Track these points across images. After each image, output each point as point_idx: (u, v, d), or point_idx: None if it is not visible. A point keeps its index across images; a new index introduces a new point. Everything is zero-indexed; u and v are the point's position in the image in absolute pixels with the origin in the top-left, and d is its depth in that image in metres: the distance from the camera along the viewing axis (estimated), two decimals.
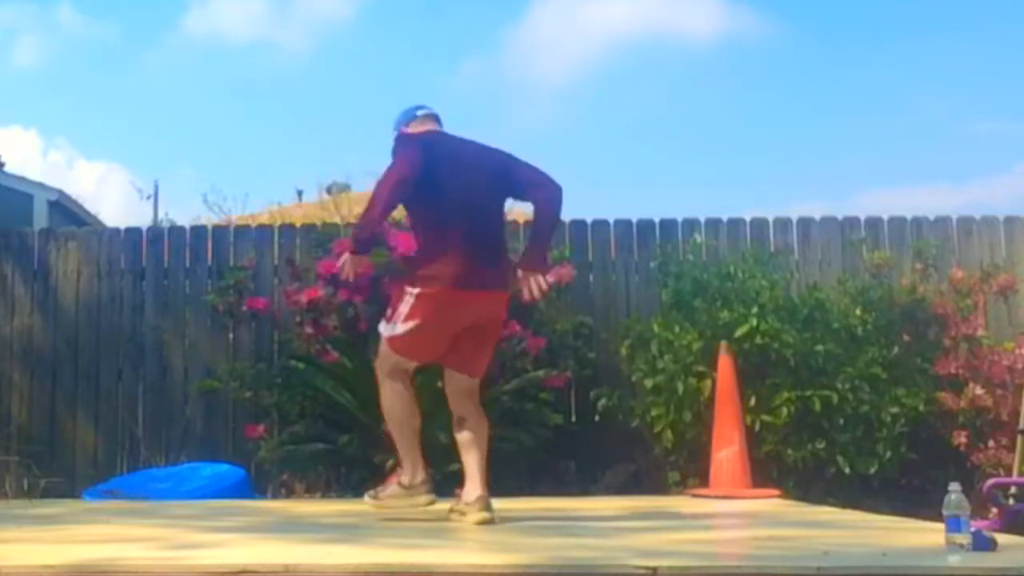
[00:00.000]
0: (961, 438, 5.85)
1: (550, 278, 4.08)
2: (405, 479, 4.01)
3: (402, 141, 3.90)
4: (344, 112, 33.40)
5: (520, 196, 4.09)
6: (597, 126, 31.62)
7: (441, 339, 3.86)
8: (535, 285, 3.86)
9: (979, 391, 5.84)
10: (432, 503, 3.98)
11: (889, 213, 7.04)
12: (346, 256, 3.91)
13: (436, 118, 4.07)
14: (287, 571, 2.35)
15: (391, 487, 4.05)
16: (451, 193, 3.81)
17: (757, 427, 5.57)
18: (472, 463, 3.93)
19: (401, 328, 3.79)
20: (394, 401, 3.96)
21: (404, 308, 3.78)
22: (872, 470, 5.61)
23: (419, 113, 4.06)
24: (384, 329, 3.87)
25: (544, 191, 3.90)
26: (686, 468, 5.82)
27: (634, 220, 6.96)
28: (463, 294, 3.77)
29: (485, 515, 3.73)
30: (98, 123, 34.08)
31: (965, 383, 5.92)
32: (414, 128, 4.01)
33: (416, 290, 3.76)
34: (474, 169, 3.90)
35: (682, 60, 32.33)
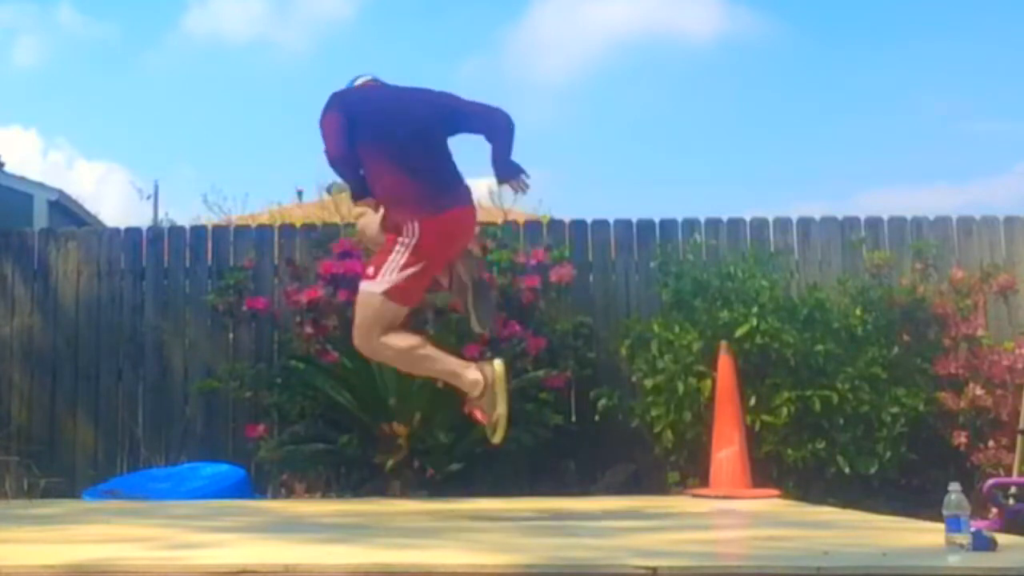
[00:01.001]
0: (961, 438, 5.85)
1: (527, 180, 4.06)
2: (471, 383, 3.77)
3: (330, 99, 3.94)
4: None
5: (468, 126, 4.05)
6: (597, 126, 31.58)
7: (432, 273, 3.85)
8: (518, 185, 3.99)
9: (979, 391, 5.85)
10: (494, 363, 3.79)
11: (889, 213, 7.05)
12: (362, 218, 3.95)
13: (374, 79, 4.10)
14: (287, 571, 2.35)
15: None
16: (398, 131, 3.86)
17: (757, 427, 5.56)
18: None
19: (401, 275, 3.70)
20: (409, 342, 3.80)
21: (400, 258, 3.72)
22: (872, 470, 5.61)
23: (355, 81, 4.11)
24: (374, 284, 3.73)
25: (486, 118, 3.93)
26: (686, 468, 5.82)
27: (634, 220, 6.96)
28: (461, 211, 3.85)
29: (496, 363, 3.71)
30: (98, 123, 34.00)
31: (965, 383, 5.93)
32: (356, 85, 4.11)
33: (415, 227, 3.71)
34: (414, 106, 3.94)
35: (682, 60, 32.28)
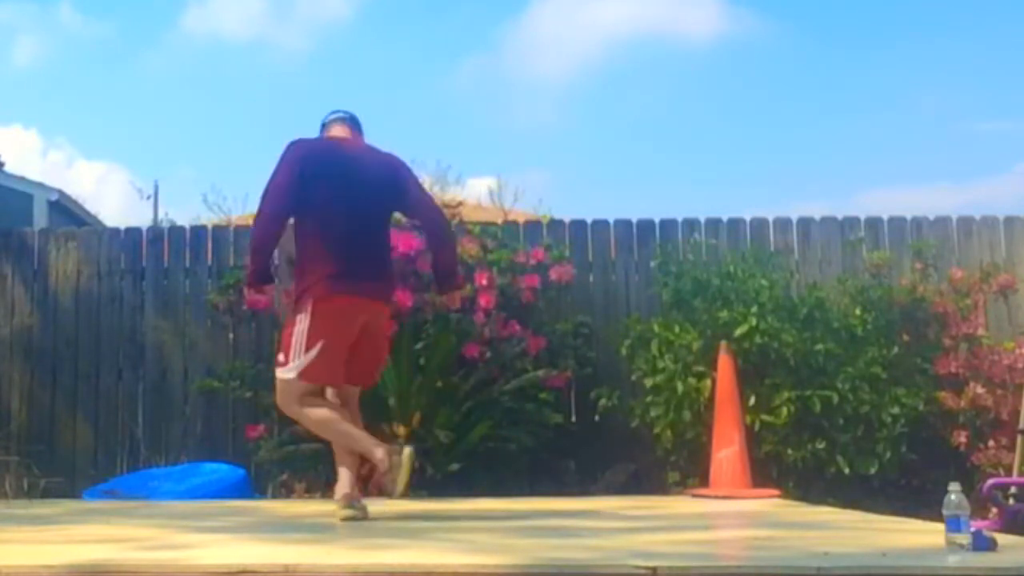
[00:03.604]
0: (961, 438, 5.85)
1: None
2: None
3: (285, 150, 3.90)
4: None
5: (407, 212, 4.24)
6: (597, 126, 31.58)
7: (343, 351, 3.88)
8: (456, 297, 4.37)
9: (979, 390, 5.84)
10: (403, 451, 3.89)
11: (889, 213, 7.06)
12: (274, 296, 4.21)
13: (346, 121, 4.09)
14: (287, 571, 2.35)
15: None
16: (333, 203, 3.85)
17: (757, 427, 5.57)
18: (347, 460, 3.98)
19: (306, 358, 3.78)
20: (323, 415, 3.89)
21: (302, 339, 3.78)
22: (872, 470, 5.61)
23: (328, 119, 4.12)
24: (287, 370, 3.82)
25: (431, 214, 4.09)
26: (686, 468, 5.82)
27: (634, 220, 6.96)
28: (348, 300, 3.84)
29: (348, 512, 3.83)
30: (98, 123, 34.01)
31: (965, 383, 5.93)
32: (326, 133, 4.10)
33: (308, 308, 3.79)
34: (359, 179, 3.93)
35: (682, 60, 32.27)
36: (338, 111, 4.13)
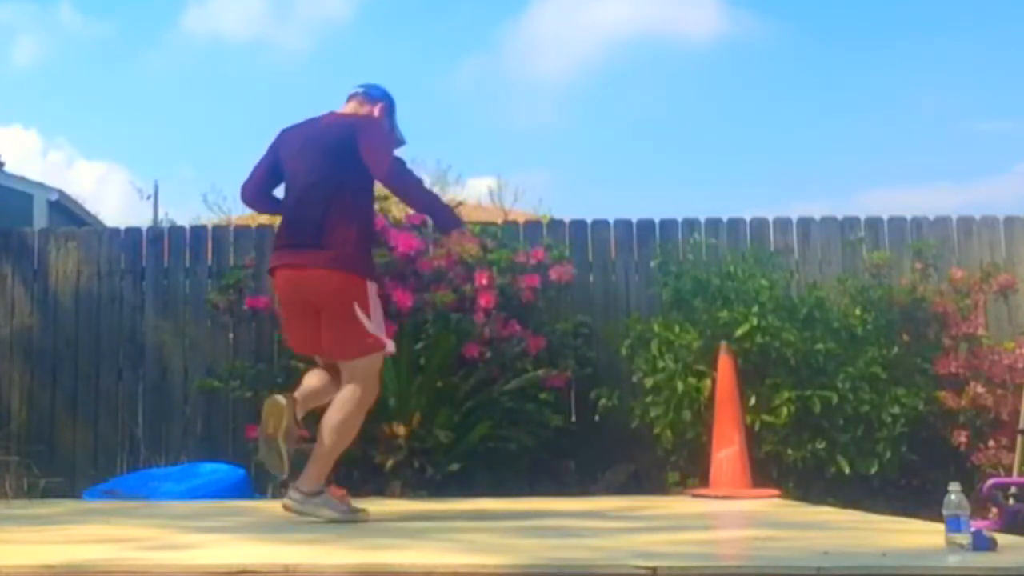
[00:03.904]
0: (961, 438, 5.85)
1: (470, 229, 4.09)
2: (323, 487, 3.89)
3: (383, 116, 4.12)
4: None
5: (374, 178, 4.03)
6: (597, 126, 31.61)
7: (295, 325, 4.02)
8: (458, 239, 4.27)
9: (980, 390, 5.84)
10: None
11: (889, 213, 7.05)
12: None
13: (352, 96, 4.15)
14: (287, 571, 2.35)
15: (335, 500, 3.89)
16: (287, 178, 4.03)
17: (757, 427, 5.56)
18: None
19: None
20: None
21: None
22: (872, 470, 5.61)
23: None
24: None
25: (379, 169, 3.91)
26: (686, 468, 5.82)
27: (634, 220, 6.95)
28: (275, 274, 3.97)
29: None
30: (98, 123, 34.07)
31: (966, 382, 5.92)
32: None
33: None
34: (303, 150, 3.98)
35: (681, 60, 32.32)
36: (359, 86, 4.19)
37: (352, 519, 3.77)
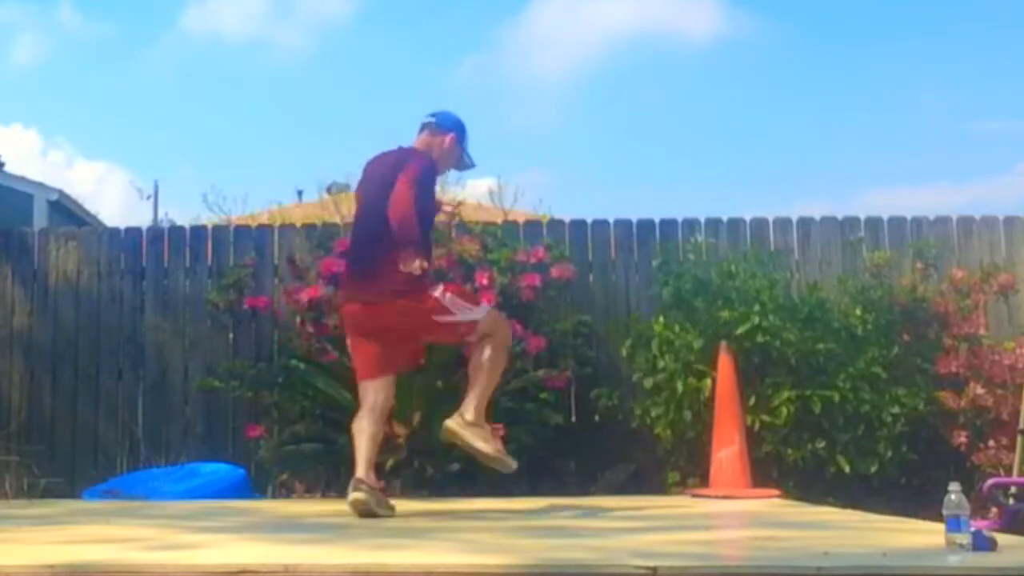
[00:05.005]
0: (961, 438, 5.84)
1: (424, 264, 4.03)
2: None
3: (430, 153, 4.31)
4: (344, 111, 33.41)
5: None
6: (597, 126, 31.62)
7: (367, 348, 4.17)
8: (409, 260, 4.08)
9: (980, 390, 5.84)
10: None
11: (889, 213, 7.06)
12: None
13: (420, 129, 4.30)
14: (287, 571, 2.35)
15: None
16: (356, 210, 4.31)
17: (757, 427, 5.56)
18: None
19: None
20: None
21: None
22: (872, 470, 5.61)
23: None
24: (481, 309, 4.16)
25: (397, 188, 3.97)
26: (686, 468, 5.82)
27: (634, 220, 6.95)
28: (344, 308, 4.27)
29: (355, 495, 3.85)
30: (98, 123, 34.11)
31: (966, 382, 5.92)
32: None
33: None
34: (365, 187, 4.27)
35: (681, 60, 32.36)
36: (430, 115, 4.32)
37: (501, 460, 4.03)
